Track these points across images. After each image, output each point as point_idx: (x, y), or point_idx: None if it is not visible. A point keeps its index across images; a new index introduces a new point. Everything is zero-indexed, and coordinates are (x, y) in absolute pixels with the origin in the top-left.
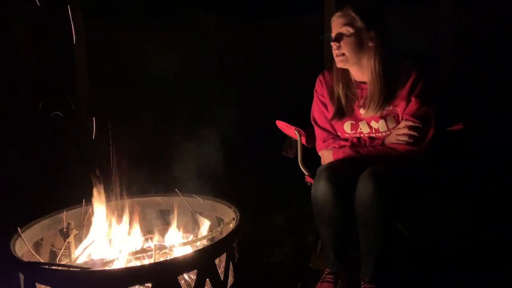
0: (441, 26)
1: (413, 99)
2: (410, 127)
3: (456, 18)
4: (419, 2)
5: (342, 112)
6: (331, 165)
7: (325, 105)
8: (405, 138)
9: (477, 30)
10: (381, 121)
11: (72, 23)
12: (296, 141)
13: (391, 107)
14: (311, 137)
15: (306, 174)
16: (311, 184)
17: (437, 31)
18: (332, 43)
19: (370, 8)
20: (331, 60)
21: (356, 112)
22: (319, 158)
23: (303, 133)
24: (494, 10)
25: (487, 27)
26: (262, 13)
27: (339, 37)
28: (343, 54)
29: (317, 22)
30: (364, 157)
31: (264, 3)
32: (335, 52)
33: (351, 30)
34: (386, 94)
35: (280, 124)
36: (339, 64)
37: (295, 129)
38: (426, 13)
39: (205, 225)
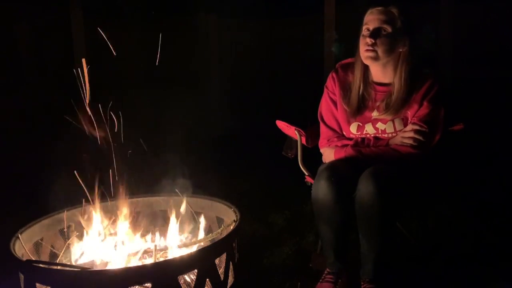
0: (441, 26)
1: (425, 103)
2: (416, 131)
3: (456, 18)
4: (419, 2)
5: (357, 111)
6: (331, 165)
7: (334, 103)
8: (410, 142)
9: (477, 30)
10: (389, 123)
11: (72, 23)
12: (296, 141)
13: (403, 110)
14: (311, 137)
15: (306, 174)
16: (311, 184)
17: (437, 31)
18: (367, 38)
19: (410, 12)
20: (331, 60)
21: (366, 114)
22: (319, 158)
23: (303, 133)
24: (494, 10)
25: (487, 27)
26: (262, 13)
27: (377, 33)
28: (375, 51)
29: (317, 22)
30: (365, 157)
31: (264, 3)
32: (366, 47)
33: (390, 29)
34: (406, 100)
35: (280, 124)
36: (367, 60)
37: (295, 129)
38: (426, 13)
39: (202, 224)
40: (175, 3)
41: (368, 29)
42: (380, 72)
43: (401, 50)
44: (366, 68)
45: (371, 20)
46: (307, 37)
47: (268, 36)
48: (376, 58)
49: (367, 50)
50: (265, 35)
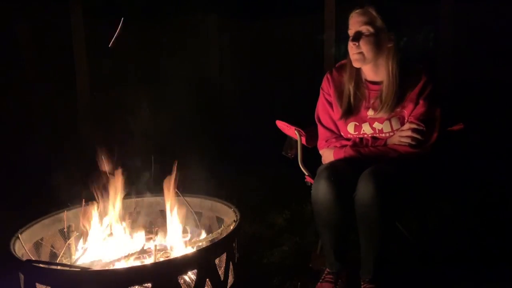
0: (441, 26)
1: (421, 101)
2: (414, 130)
3: (456, 18)
4: (419, 2)
5: (350, 111)
6: (331, 165)
7: (330, 104)
8: (408, 140)
9: (477, 30)
10: (386, 122)
11: (72, 22)
12: (296, 141)
13: (399, 109)
14: (311, 137)
15: (306, 174)
16: (311, 184)
17: (437, 31)
18: (351, 42)
19: (391, 8)
20: (331, 60)
21: (362, 113)
22: (319, 158)
23: (303, 133)
24: (494, 10)
25: (487, 27)
26: (262, 13)
27: (358, 36)
28: (361, 53)
29: (317, 22)
30: (365, 157)
31: (264, 3)
32: (352, 51)
33: (371, 29)
34: (399, 96)
35: (280, 124)
36: (356, 64)
37: (295, 129)
38: (426, 13)
39: (202, 224)
40: (175, 3)
41: (351, 33)
42: (372, 72)
43: (388, 46)
44: (358, 68)
45: (352, 23)
46: (307, 37)
47: (268, 36)
48: (363, 60)
49: (354, 54)
50: (265, 35)
